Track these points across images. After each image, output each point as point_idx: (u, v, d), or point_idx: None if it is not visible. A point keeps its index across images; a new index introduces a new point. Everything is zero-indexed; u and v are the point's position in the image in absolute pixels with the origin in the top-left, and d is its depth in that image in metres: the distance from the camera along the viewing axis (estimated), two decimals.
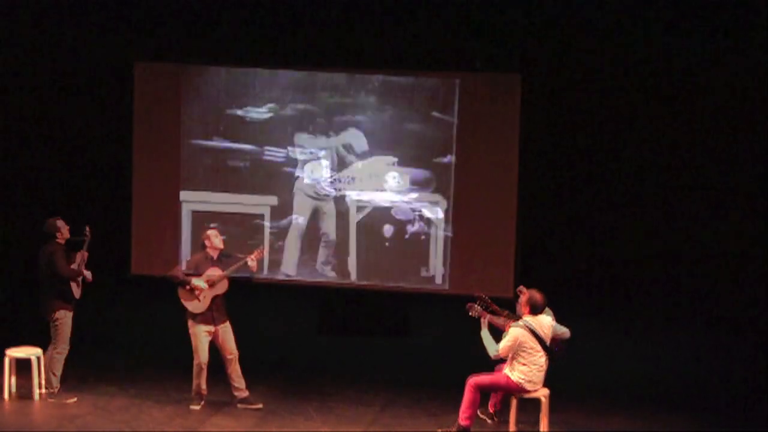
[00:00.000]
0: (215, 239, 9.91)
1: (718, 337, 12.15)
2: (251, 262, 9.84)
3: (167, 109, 12.79)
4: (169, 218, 12.85)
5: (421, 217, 12.45)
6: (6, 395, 10.03)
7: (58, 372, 9.97)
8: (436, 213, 12.41)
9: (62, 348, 9.93)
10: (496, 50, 12.24)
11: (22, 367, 10.12)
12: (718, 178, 12.22)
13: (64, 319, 9.92)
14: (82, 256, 10.04)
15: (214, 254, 9.88)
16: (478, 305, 9.26)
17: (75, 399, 9.97)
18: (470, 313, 9.34)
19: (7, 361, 10.07)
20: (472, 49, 12.25)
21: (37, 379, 10.05)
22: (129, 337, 12.40)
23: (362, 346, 12.30)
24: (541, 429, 9.23)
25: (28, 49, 13.21)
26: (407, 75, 12.37)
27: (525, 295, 9.18)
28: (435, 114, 12.30)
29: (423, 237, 12.49)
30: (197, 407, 9.86)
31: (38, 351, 10.12)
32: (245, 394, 9.95)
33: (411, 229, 12.52)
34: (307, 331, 12.77)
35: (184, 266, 9.99)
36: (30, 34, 13.13)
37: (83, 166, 13.36)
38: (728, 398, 10.70)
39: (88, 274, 10.06)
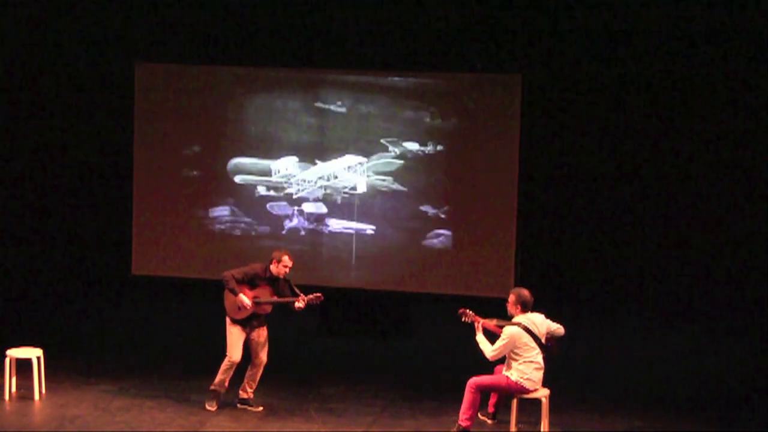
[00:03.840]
0: (282, 267, 9.67)
1: (718, 337, 12.15)
2: (300, 303, 9.64)
3: (168, 109, 12.78)
4: (169, 218, 12.83)
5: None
6: (6, 395, 10.03)
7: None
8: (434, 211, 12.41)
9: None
10: (497, 50, 12.23)
11: (23, 367, 10.12)
12: (719, 177, 12.22)
13: None
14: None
15: (273, 275, 9.74)
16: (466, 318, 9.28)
17: None
18: (463, 319, 9.33)
19: (7, 361, 10.06)
20: (473, 49, 12.24)
21: (37, 379, 10.05)
22: (129, 337, 12.39)
23: (362, 347, 12.29)
24: (542, 429, 9.24)
25: (28, 49, 13.20)
26: (407, 75, 12.35)
27: (513, 294, 9.18)
28: (435, 114, 12.28)
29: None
30: (212, 408, 9.78)
31: (38, 351, 10.10)
32: (249, 396, 9.94)
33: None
34: (307, 332, 12.75)
35: (242, 272, 9.69)
36: (30, 34, 13.13)
37: (84, 166, 13.35)
38: (728, 398, 10.70)
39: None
